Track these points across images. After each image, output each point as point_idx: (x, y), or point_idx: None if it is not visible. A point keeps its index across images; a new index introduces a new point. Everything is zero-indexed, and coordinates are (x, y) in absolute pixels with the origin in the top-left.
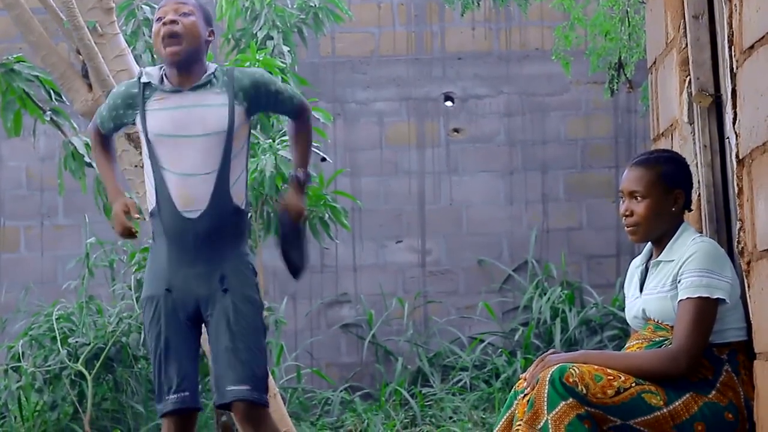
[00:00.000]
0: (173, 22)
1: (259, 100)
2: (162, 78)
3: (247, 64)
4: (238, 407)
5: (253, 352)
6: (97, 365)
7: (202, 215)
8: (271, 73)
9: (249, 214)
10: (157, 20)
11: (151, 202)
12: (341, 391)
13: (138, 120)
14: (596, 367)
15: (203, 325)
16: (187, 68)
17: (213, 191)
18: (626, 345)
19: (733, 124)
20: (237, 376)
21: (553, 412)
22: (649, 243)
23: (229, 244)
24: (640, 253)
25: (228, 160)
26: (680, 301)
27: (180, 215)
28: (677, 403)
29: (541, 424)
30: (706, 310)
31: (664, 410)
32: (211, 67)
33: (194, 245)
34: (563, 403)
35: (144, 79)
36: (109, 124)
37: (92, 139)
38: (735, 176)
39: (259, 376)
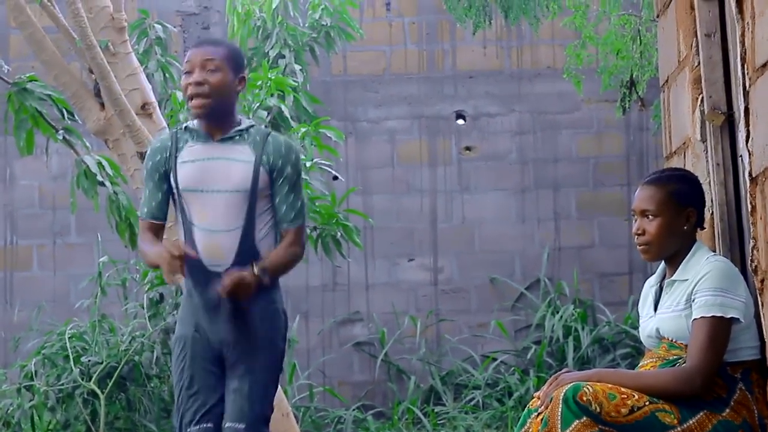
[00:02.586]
0: (199, 84)
1: (273, 171)
2: (196, 128)
3: (259, 83)
4: None
5: (258, 391)
6: (110, 384)
7: (227, 270)
8: (284, 93)
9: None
10: (185, 74)
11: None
12: (354, 409)
13: (171, 173)
14: (610, 385)
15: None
16: (215, 121)
17: (238, 248)
18: (640, 363)
19: (746, 142)
20: (236, 413)
21: (567, 431)
22: (663, 262)
23: (256, 295)
24: (653, 272)
25: (252, 218)
26: (694, 320)
27: (207, 270)
28: (691, 422)
29: None
30: (720, 329)
31: (678, 429)
32: (246, 122)
33: (220, 297)
34: (577, 421)
35: (179, 128)
36: (156, 196)
37: (141, 234)
38: (748, 194)
39: (258, 416)
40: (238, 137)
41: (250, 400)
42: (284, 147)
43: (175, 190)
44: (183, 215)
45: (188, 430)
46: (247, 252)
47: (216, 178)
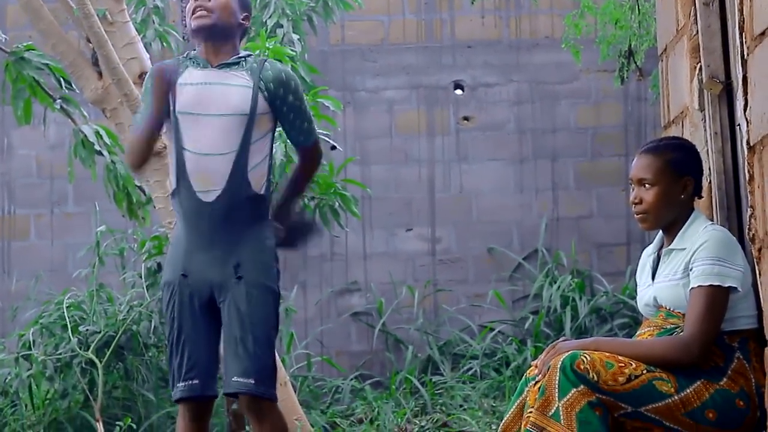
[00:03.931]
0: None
1: (275, 101)
2: (197, 56)
3: (257, 52)
4: (242, 399)
5: (261, 344)
6: (108, 353)
7: (217, 198)
8: (280, 61)
9: (269, 200)
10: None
11: (172, 184)
12: (351, 379)
13: (170, 93)
14: (607, 354)
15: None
16: (214, 42)
17: (230, 173)
18: (637, 332)
19: (744, 110)
20: (243, 367)
21: (564, 399)
22: (661, 231)
23: (247, 229)
24: (650, 242)
25: (247, 143)
26: (692, 289)
27: (196, 197)
28: (688, 391)
29: (552, 411)
30: (717, 298)
31: (675, 397)
32: (244, 52)
33: (210, 229)
34: (574, 390)
35: (182, 55)
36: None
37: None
38: (746, 163)
39: (265, 369)
40: (235, 65)
41: (254, 351)
42: (284, 74)
43: (171, 113)
44: (177, 140)
45: (177, 385)
46: (238, 179)
47: (213, 102)
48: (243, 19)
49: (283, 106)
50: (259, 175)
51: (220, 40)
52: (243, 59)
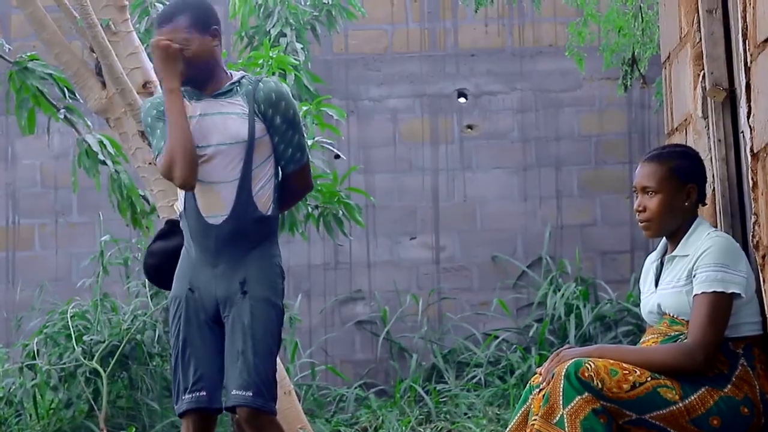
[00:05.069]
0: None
1: (265, 121)
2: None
3: (261, 61)
4: (241, 412)
5: (262, 357)
6: (112, 363)
7: (224, 221)
8: (285, 72)
9: (277, 218)
10: None
11: (180, 206)
12: (356, 387)
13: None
14: (612, 361)
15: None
16: (203, 83)
17: (235, 199)
18: (642, 339)
19: (748, 118)
20: (242, 380)
21: (569, 407)
22: (664, 238)
23: (253, 247)
24: (654, 249)
25: (249, 169)
26: (695, 295)
27: (204, 220)
28: (693, 398)
29: (557, 418)
30: (721, 304)
31: (680, 404)
32: (237, 74)
33: (216, 248)
34: (579, 397)
35: None
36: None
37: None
38: (749, 170)
39: (264, 382)
40: (230, 91)
41: (254, 365)
42: (274, 94)
43: None
44: None
45: (183, 397)
46: (243, 204)
47: (213, 133)
48: (213, 38)
49: (271, 127)
50: (265, 196)
51: (207, 79)
52: (237, 84)
